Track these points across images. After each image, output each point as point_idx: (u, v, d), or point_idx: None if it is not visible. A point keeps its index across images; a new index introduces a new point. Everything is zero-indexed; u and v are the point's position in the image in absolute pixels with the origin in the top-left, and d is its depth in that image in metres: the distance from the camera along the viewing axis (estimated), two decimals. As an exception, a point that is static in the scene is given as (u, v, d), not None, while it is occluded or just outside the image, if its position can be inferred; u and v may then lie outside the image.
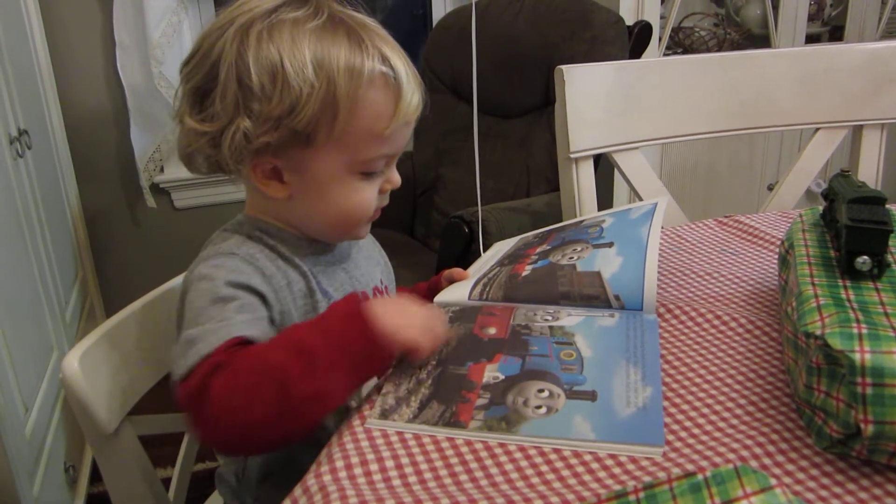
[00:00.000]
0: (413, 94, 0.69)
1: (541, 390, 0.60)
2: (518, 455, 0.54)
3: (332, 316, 0.63)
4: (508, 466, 0.53)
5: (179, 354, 0.62)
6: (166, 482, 0.87)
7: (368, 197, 0.72)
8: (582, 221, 0.91)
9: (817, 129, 1.22)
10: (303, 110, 0.65)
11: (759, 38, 2.42)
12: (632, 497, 0.43)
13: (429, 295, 0.87)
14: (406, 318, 0.65)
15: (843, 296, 0.57)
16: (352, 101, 0.66)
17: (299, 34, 0.65)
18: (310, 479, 0.52)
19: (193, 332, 0.62)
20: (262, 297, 0.67)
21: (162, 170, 2.06)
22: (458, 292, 0.80)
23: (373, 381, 0.68)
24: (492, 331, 0.70)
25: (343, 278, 0.77)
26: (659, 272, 0.80)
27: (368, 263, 0.82)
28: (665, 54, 2.27)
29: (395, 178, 0.75)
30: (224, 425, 0.58)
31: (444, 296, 0.81)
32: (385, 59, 0.67)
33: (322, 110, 0.65)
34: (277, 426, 0.58)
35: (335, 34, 0.66)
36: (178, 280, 0.86)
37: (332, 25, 0.67)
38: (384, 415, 0.60)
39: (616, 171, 1.18)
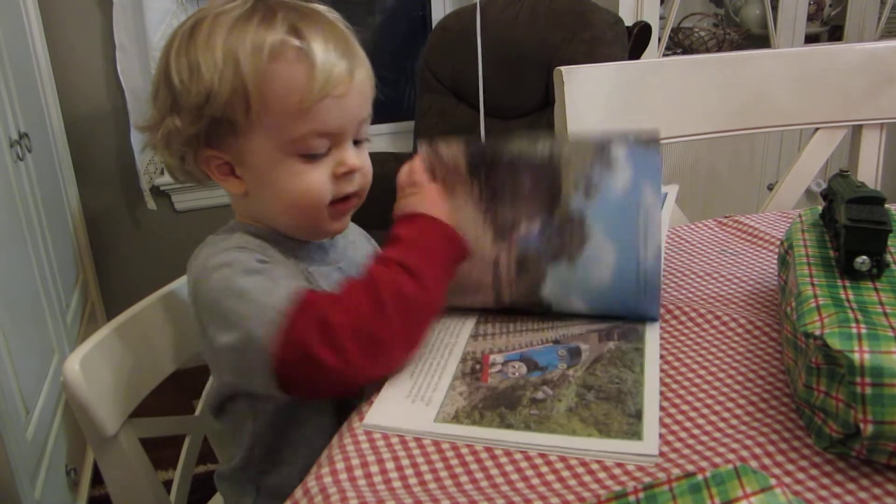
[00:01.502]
0: (333, 66, 0.66)
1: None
2: (518, 456, 0.54)
3: (428, 237, 0.69)
4: (509, 468, 0.53)
5: (258, 322, 0.62)
6: (168, 484, 0.87)
7: (316, 180, 0.69)
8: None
9: (817, 129, 1.22)
10: (217, 97, 0.66)
11: (759, 39, 2.42)
12: (631, 497, 0.43)
13: None
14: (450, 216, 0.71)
15: (843, 296, 0.57)
16: (258, 78, 0.65)
17: (216, 27, 0.67)
18: (310, 481, 0.52)
19: (253, 301, 0.63)
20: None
21: (162, 172, 2.06)
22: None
23: None
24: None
25: (338, 277, 0.76)
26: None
27: (364, 262, 0.82)
28: (665, 55, 2.27)
29: (347, 160, 0.70)
30: (359, 348, 0.61)
31: None
32: (294, 31, 0.66)
33: (233, 93, 0.66)
34: (404, 336, 0.65)
35: (249, 19, 0.67)
36: (178, 282, 0.86)
37: (251, 11, 0.68)
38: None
39: (616, 172, 1.18)
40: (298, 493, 0.52)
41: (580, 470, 0.52)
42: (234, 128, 0.68)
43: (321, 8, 0.71)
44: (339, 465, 0.54)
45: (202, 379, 0.95)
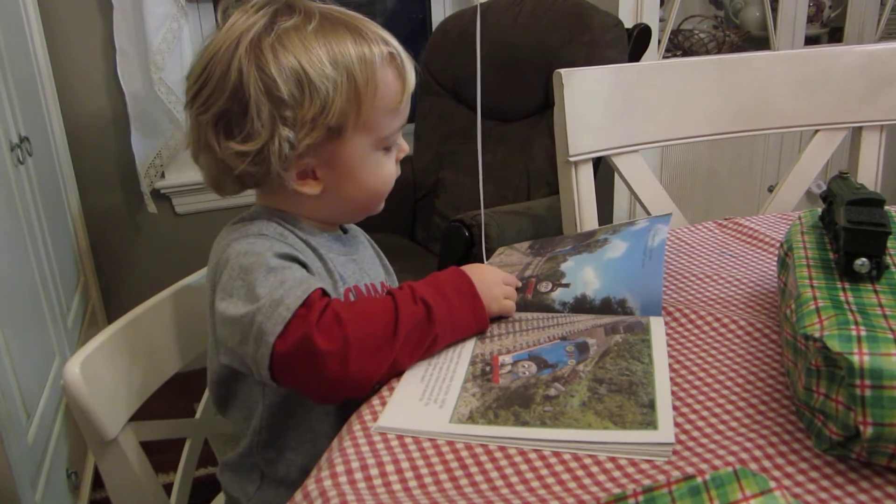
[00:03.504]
0: (410, 67, 0.75)
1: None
2: (519, 459, 0.54)
3: (449, 286, 0.71)
4: (509, 470, 0.53)
5: (266, 316, 0.64)
6: (168, 488, 0.87)
7: (391, 169, 0.78)
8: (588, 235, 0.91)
9: (816, 131, 1.22)
10: (333, 106, 0.70)
11: (759, 40, 2.42)
12: (631, 500, 0.43)
13: None
14: (497, 290, 0.74)
15: (842, 298, 0.57)
16: (372, 86, 0.71)
17: (307, 39, 0.69)
18: (310, 484, 0.52)
19: (267, 296, 0.65)
20: (306, 267, 0.71)
21: (163, 175, 2.07)
22: None
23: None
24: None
25: (354, 268, 0.79)
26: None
27: (373, 262, 0.85)
28: (664, 57, 2.27)
29: (405, 145, 0.80)
30: (356, 349, 0.63)
31: None
32: (385, 41, 0.73)
33: (349, 101, 0.70)
34: (395, 360, 0.65)
35: (336, 30, 0.71)
36: (179, 285, 0.86)
37: (330, 24, 0.71)
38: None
39: (616, 175, 1.18)
40: (298, 496, 0.52)
41: (580, 472, 0.52)
42: (340, 133, 0.72)
43: (354, 13, 0.75)
44: (340, 468, 0.54)
45: (202, 382, 0.95)
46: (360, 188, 0.76)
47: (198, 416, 0.95)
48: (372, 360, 0.64)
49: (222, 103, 0.70)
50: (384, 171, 0.77)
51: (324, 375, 0.63)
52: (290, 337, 0.63)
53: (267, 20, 0.70)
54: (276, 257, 0.68)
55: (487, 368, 0.66)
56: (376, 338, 0.64)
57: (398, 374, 0.66)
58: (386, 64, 0.73)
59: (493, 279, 0.74)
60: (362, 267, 0.81)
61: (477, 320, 0.71)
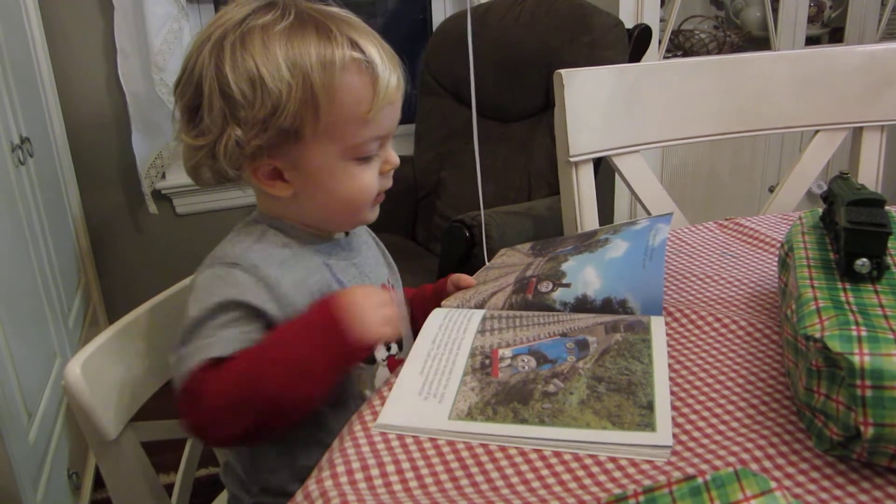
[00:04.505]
0: (390, 75, 0.72)
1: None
2: (519, 460, 0.54)
3: (309, 330, 0.67)
4: (509, 471, 0.53)
5: (174, 368, 0.68)
6: (169, 488, 0.87)
7: (368, 180, 0.74)
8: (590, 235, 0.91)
9: (817, 131, 1.22)
10: (285, 109, 0.68)
11: (759, 41, 2.42)
12: (631, 501, 0.43)
13: (435, 298, 0.88)
14: (372, 316, 0.68)
15: (843, 298, 0.57)
16: (329, 91, 0.68)
17: (270, 38, 0.68)
18: (311, 485, 0.52)
19: (182, 351, 0.67)
20: (257, 311, 0.69)
21: (164, 176, 2.07)
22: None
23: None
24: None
25: (354, 273, 0.79)
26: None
27: (376, 263, 0.85)
28: (665, 57, 2.27)
29: (393, 158, 0.77)
30: (215, 435, 0.67)
31: (450, 302, 0.81)
32: (355, 45, 0.70)
33: (303, 105, 0.68)
34: (264, 429, 0.66)
35: (304, 31, 0.69)
36: (180, 286, 0.87)
37: (300, 23, 0.69)
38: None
39: (616, 175, 1.18)
40: (299, 496, 0.52)
41: (581, 473, 0.52)
42: (297, 137, 0.70)
43: (354, 17, 0.74)
44: (340, 469, 0.54)
45: (203, 382, 0.95)
46: (330, 197, 0.74)
47: (199, 416, 0.95)
48: (227, 427, 0.65)
49: (188, 97, 0.71)
50: (357, 182, 0.74)
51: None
52: (181, 396, 0.66)
53: (240, 17, 0.69)
54: (219, 309, 0.68)
55: (487, 361, 0.66)
56: (226, 410, 0.64)
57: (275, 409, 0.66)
58: (351, 70, 0.69)
59: (368, 304, 0.69)
60: (363, 270, 0.80)
61: (340, 358, 0.68)
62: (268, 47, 0.67)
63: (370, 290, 0.71)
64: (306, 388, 0.66)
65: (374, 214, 0.79)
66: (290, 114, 0.68)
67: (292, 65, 0.67)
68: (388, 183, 0.78)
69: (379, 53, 0.71)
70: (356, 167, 0.73)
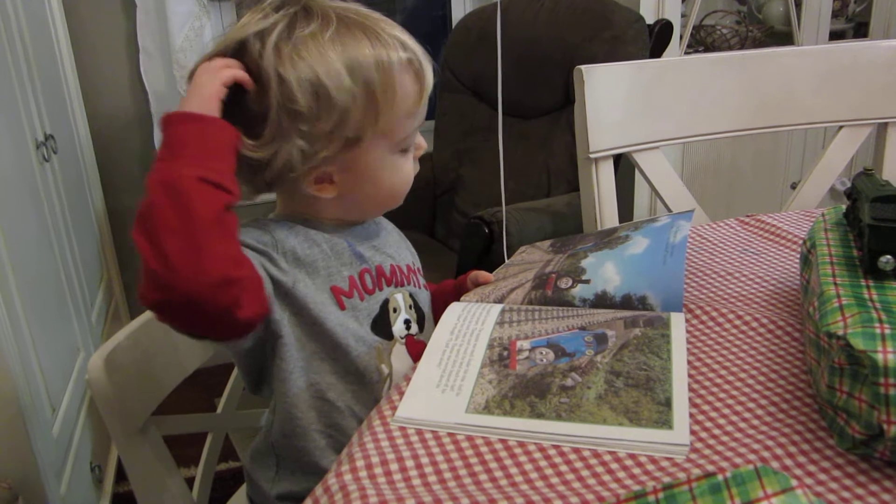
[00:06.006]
0: (428, 69, 0.73)
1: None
2: (538, 455, 0.54)
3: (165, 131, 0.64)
4: (528, 466, 0.53)
5: None
6: (190, 482, 0.88)
7: (409, 169, 0.77)
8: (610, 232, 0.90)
9: (841, 127, 1.20)
10: (350, 118, 0.68)
11: (782, 36, 2.39)
12: (651, 497, 0.42)
13: (455, 293, 0.88)
14: (197, 83, 0.66)
15: (866, 295, 0.56)
16: (391, 94, 0.70)
17: (323, 46, 0.67)
18: (330, 479, 0.53)
19: None
20: (263, 253, 0.68)
21: (185, 173, 2.08)
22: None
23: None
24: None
25: (373, 252, 0.79)
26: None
27: (399, 246, 0.85)
28: (686, 53, 2.25)
29: (423, 142, 0.78)
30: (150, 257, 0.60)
31: (469, 297, 0.82)
32: (404, 45, 0.71)
33: (366, 112, 0.69)
34: (189, 238, 0.58)
35: (353, 35, 0.69)
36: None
37: (346, 28, 0.69)
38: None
39: (637, 172, 1.18)
40: (319, 490, 0.52)
41: (600, 469, 0.52)
42: (358, 142, 0.70)
43: (373, 13, 0.73)
44: (360, 463, 0.54)
45: (224, 377, 0.96)
46: (378, 190, 0.75)
47: (219, 410, 0.96)
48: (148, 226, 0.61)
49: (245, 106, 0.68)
50: (402, 172, 0.76)
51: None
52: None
53: (284, 25, 0.68)
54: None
55: (505, 353, 0.66)
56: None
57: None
58: (404, 69, 0.71)
59: (204, 68, 0.67)
60: (383, 251, 0.80)
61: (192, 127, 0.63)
62: (324, 56, 0.67)
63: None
64: (169, 163, 0.61)
65: (402, 199, 0.81)
66: (355, 121, 0.69)
67: (352, 71, 0.67)
68: (418, 167, 0.79)
69: (420, 49, 0.73)
70: (400, 159, 0.75)
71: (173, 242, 0.58)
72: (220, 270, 0.59)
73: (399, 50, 0.70)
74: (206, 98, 0.65)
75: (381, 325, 0.76)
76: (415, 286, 0.83)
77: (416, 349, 0.78)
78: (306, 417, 0.75)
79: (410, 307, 0.80)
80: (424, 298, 0.84)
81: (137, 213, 0.61)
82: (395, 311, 0.78)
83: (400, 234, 0.88)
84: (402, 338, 0.78)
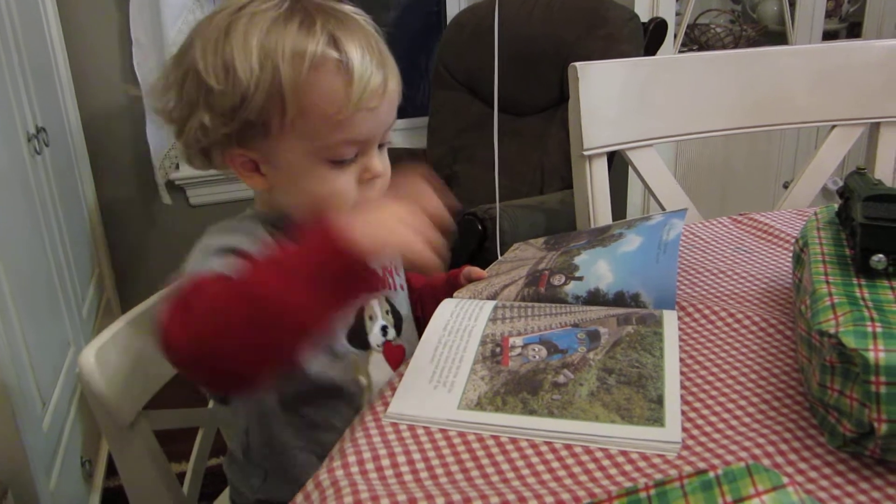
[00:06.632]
0: (370, 79, 0.67)
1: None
2: (529, 452, 0.54)
3: (307, 237, 0.58)
4: (520, 463, 0.53)
5: (167, 289, 0.61)
6: (181, 477, 0.87)
7: (341, 186, 0.70)
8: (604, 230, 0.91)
9: (833, 127, 1.21)
10: (252, 100, 0.65)
11: (776, 35, 2.40)
12: (643, 494, 0.42)
13: (448, 289, 0.87)
14: (382, 226, 0.58)
15: (858, 294, 0.56)
16: (297, 87, 0.65)
17: (253, 26, 0.66)
18: (322, 474, 0.53)
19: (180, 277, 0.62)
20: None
21: (177, 167, 2.08)
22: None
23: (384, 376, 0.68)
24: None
25: None
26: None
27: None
28: (680, 51, 2.25)
29: (373, 167, 0.71)
30: (199, 345, 0.55)
31: (462, 293, 0.82)
32: (334, 42, 0.66)
33: (269, 98, 0.65)
34: (252, 346, 0.55)
35: (289, 22, 0.66)
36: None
37: (289, 13, 0.67)
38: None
39: (630, 169, 1.18)
40: (310, 485, 0.52)
41: (591, 466, 0.52)
42: (266, 130, 0.67)
43: (356, 14, 0.71)
44: (351, 459, 0.54)
45: (216, 372, 0.95)
46: (302, 196, 0.71)
47: (210, 405, 0.96)
48: (209, 333, 0.55)
49: (170, 74, 0.70)
50: (329, 185, 0.69)
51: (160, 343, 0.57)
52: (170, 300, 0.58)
53: (244, 2, 0.68)
54: (222, 248, 0.67)
55: (497, 349, 0.66)
56: (213, 312, 0.55)
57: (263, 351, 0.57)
58: (324, 68, 0.65)
59: (382, 214, 0.60)
60: None
61: (356, 273, 0.56)
62: (247, 37, 0.66)
63: (387, 202, 0.64)
64: (297, 293, 0.55)
65: None
66: (257, 105, 0.65)
67: (264, 55, 0.65)
68: (371, 193, 0.72)
69: (362, 55, 0.66)
70: (328, 170, 0.69)
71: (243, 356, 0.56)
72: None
73: (322, 46, 0.65)
74: (369, 252, 0.56)
75: (358, 335, 0.75)
76: (391, 288, 0.81)
77: (393, 355, 0.78)
78: (284, 434, 0.74)
79: (387, 312, 0.79)
80: (402, 299, 0.83)
81: (208, 298, 0.56)
82: (370, 318, 0.77)
83: None
84: (378, 346, 0.77)
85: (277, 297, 0.55)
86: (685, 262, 0.87)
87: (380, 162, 0.72)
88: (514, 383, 0.61)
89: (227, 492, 1.00)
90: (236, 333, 0.55)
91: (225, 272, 0.60)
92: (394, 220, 0.59)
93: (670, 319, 0.69)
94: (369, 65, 0.67)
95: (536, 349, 0.65)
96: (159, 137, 2.01)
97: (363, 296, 0.62)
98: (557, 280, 0.78)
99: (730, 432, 0.55)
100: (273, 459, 0.77)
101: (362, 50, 0.67)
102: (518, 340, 0.67)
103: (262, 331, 0.55)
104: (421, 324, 0.78)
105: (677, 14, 2.21)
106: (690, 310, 0.74)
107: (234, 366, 0.57)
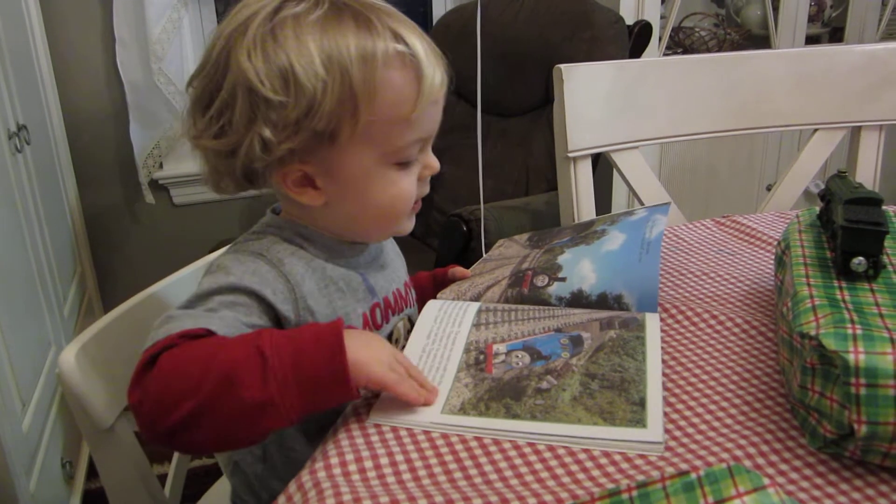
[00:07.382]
0: (435, 70, 0.65)
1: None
2: (513, 453, 0.54)
3: (305, 332, 0.58)
4: (503, 464, 0.53)
5: (155, 327, 0.59)
6: (162, 479, 0.87)
7: (407, 187, 0.68)
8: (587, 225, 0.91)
9: (816, 130, 1.22)
10: (320, 108, 0.61)
11: (760, 39, 2.42)
12: (625, 495, 0.43)
13: (432, 286, 0.87)
14: (371, 352, 0.58)
15: (839, 296, 0.57)
16: (370, 89, 0.61)
17: (303, 30, 0.61)
18: (304, 476, 0.52)
19: (178, 311, 0.61)
20: (269, 306, 0.64)
21: (161, 166, 2.06)
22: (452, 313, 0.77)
23: None
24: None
25: (380, 277, 0.75)
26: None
27: (395, 263, 0.80)
28: (665, 54, 2.27)
29: (433, 163, 0.71)
30: (157, 405, 0.54)
31: (446, 294, 0.81)
32: (398, 37, 0.63)
33: (340, 104, 0.61)
34: (209, 424, 0.54)
35: (340, 21, 0.62)
36: (175, 276, 0.86)
37: (335, 13, 0.62)
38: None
39: (615, 171, 1.18)
40: (292, 487, 0.52)
41: (574, 467, 0.52)
42: (332, 140, 0.63)
43: (391, 6, 0.67)
44: (334, 460, 0.54)
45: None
46: (366, 205, 0.67)
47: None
48: (168, 402, 0.54)
49: (206, 90, 0.64)
50: (397, 188, 0.67)
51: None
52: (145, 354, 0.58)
53: (274, 6, 0.62)
54: (231, 289, 0.63)
55: (481, 357, 0.66)
56: (175, 393, 0.54)
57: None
58: (395, 65, 0.62)
59: (379, 344, 0.60)
60: (388, 274, 0.76)
61: (336, 378, 0.56)
62: (301, 40, 0.60)
63: (383, 341, 0.63)
64: (268, 390, 0.54)
65: (410, 224, 0.72)
66: (325, 114, 0.61)
67: (328, 59, 0.60)
68: (426, 189, 0.71)
69: (423, 47, 0.64)
70: (396, 173, 0.67)
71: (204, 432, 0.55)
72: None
73: (390, 42, 0.62)
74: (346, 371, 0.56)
75: None
76: (410, 306, 0.79)
77: None
78: (306, 453, 0.71)
79: (409, 332, 0.77)
80: (415, 314, 0.81)
81: (183, 377, 0.55)
82: (396, 341, 0.76)
83: (392, 244, 0.83)
84: None
85: (252, 392, 0.54)
86: (668, 263, 0.88)
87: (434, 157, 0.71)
88: (497, 390, 0.61)
89: (209, 492, 1.00)
90: (194, 407, 0.54)
91: (210, 327, 0.58)
92: (386, 354, 0.59)
93: (652, 322, 0.69)
94: (432, 56, 0.66)
95: (520, 356, 0.65)
96: (143, 136, 1.99)
97: (330, 406, 0.58)
98: (541, 281, 0.78)
99: (712, 434, 0.55)
100: (293, 470, 0.76)
101: (421, 40, 0.65)
102: (502, 347, 0.67)
103: (223, 413, 0.54)
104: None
105: (662, 17, 2.22)
106: (673, 311, 0.74)
107: (187, 433, 0.55)
